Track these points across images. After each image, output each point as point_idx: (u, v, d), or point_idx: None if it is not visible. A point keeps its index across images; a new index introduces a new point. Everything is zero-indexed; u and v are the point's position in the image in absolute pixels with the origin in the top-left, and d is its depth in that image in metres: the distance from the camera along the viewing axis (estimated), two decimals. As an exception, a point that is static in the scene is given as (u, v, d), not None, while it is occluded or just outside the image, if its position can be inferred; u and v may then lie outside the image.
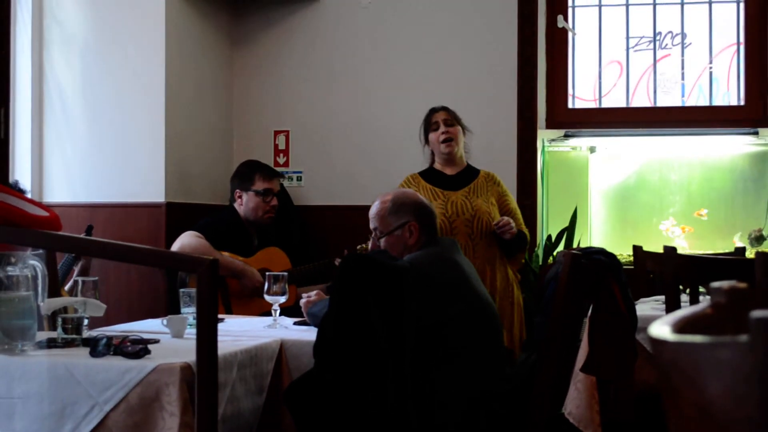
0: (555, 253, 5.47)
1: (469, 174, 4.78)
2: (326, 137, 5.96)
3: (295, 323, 3.80)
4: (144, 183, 5.37)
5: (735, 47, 5.86)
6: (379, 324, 2.89)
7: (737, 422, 0.87)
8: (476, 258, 4.53)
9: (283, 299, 3.72)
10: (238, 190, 5.14)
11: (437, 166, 4.80)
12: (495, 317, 3.35)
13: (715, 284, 1.18)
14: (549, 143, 5.86)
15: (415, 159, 5.03)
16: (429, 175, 4.77)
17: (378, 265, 2.94)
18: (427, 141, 4.81)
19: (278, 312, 3.76)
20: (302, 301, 3.73)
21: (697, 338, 0.93)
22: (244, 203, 5.10)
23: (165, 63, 5.37)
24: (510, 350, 4.43)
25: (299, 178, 5.95)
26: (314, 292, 3.73)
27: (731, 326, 1.13)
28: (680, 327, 1.10)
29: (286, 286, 3.72)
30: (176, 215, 5.37)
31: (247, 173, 5.17)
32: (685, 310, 1.16)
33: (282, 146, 6.01)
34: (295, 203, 5.79)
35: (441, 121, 4.74)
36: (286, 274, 3.74)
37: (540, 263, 5.53)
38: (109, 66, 5.45)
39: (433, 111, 4.80)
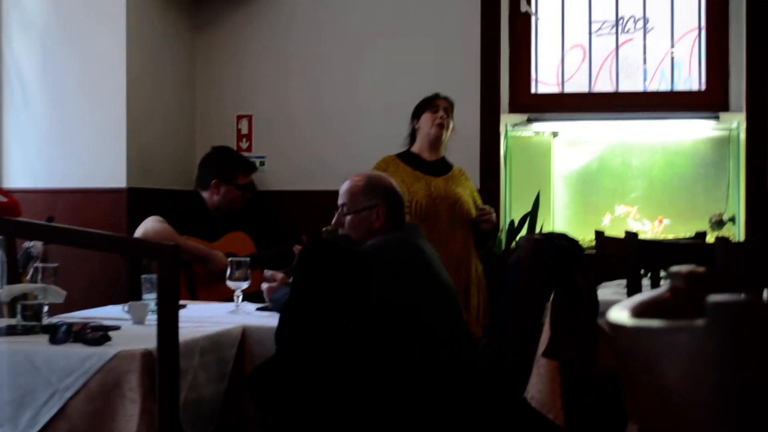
0: (518, 238, 5.49)
1: (446, 164, 4.81)
2: (289, 122, 5.94)
3: (258, 309, 3.79)
4: (105, 168, 5.33)
5: (696, 32, 5.89)
6: (341, 309, 2.89)
7: (694, 406, 0.87)
8: (456, 244, 4.54)
9: (245, 285, 3.71)
10: (216, 180, 5.09)
11: (416, 149, 4.79)
12: (456, 302, 3.36)
13: (674, 268, 1.18)
14: (512, 128, 5.87)
15: (379, 144, 5.02)
16: (407, 158, 4.77)
17: (339, 250, 2.93)
18: (417, 118, 4.81)
19: (241, 297, 3.75)
20: (264, 287, 3.72)
21: (654, 323, 0.93)
22: (221, 194, 5.07)
23: (126, 47, 5.32)
24: (475, 335, 4.45)
25: (262, 163, 5.93)
26: (278, 276, 3.72)
27: (689, 310, 1.13)
28: (639, 311, 1.10)
29: (249, 272, 3.71)
30: (138, 200, 5.34)
31: (230, 166, 5.14)
32: (644, 294, 1.17)
33: (245, 131, 5.98)
34: (259, 188, 5.77)
35: (442, 108, 4.77)
36: (248, 259, 3.72)
37: (503, 248, 5.55)
38: (70, 50, 5.40)
39: (438, 96, 4.83)
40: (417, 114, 4.82)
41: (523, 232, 5.58)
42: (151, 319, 3.23)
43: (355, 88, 5.88)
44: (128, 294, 4.73)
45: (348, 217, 3.41)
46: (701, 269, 1.18)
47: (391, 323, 3.06)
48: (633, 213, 5.78)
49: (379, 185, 3.44)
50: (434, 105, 4.76)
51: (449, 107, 4.79)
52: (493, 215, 4.62)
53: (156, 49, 5.65)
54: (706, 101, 5.80)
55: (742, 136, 5.58)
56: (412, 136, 4.83)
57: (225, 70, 6.02)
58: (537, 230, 5.56)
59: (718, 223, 5.61)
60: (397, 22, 5.85)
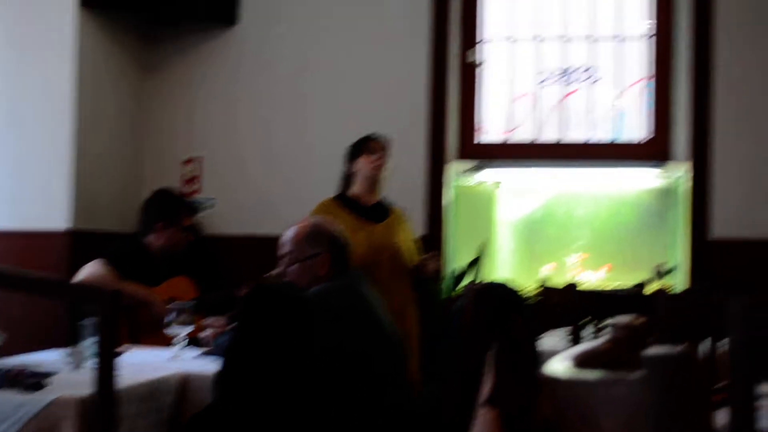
0: (462, 286, 5.50)
1: (384, 208, 4.77)
2: (239, 165, 5.92)
3: (199, 355, 3.74)
4: (50, 210, 5.27)
5: (643, 83, 5.97)
6: (283, 356, 2.86)
7: (630, 459, 0.87)
8: (396, 295, 4.51)
9: (187, 330, 3.67)
10: (160, 224, 5.03)
11: (354, 192, 4.76)
12: (401, 350, 3.35)
13: (614, 320, 1.19)
14: (458, 176, 5.89)
15: (327, 189, 5.01)
16: (346, 202, 4.73)
17: (282, 296, 2.92)
18: (354, 161, 4.77)
19: (182, 343, 3.71)
20: (206, 333, 3.68)
21: (592, 375, 0.93)
22: (166, 237, 5.01)
23: (75, 89, 5.29)
24: (415, 383, 4.43)
25: (212, 206, 5.89)
26: (219, 322, 3.69)
27: (629, 361, 1.14)
28: (579, 362, 1.11)
29: (191, 317, 3.67)
30: (83, 243, 5.28)
31: (174, 209, 5.09)
32: (585, 345, 1.17)
33: (195, 172, 5.95)
34: (207, 232, 5.73)
35: (379, 149, 4.73)
36: (190, 304, 3.69)
37: (447, 296, 5.55)
38: (17, 90, 5.35)
39: (374, 137, 4.79)
40: (352, 157, 4.78)
41: (468, 280, 5.58)
42: (90, 364, 3.18)
43: (304, 131, 5.88)
44: (69, 338, 4.66)
45: (293, 266, 3.40)
46: (640, 320, 1.19)
47: (334, 370, 3.04)
48: (578, 262, 5.82)
49: (325, 233, 3.43)
50: (371, 147, 4.73)
51: (385, 147, 4.77)
52: (437, 262, 4.61)
53: (105, 91, 5.61)
54: (651, 151, 5.88)
55: (686, 186, 5.65)
56: (348, 178, 4.81)
57: (174, 112, 6.00)
58: (481, 278, 5.56)
59: (661, 273, 5.66)
60: (348, 68, 5.87)
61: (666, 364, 0.86)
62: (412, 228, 4.81)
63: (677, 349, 0.86)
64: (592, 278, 5.76)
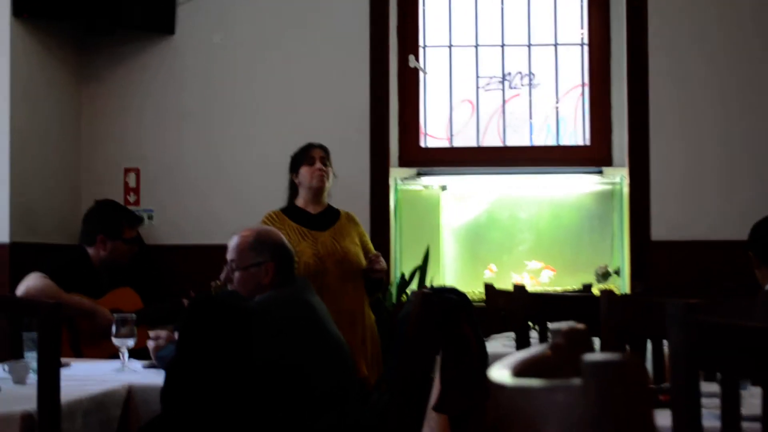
0: (408, 292, 5.51)
1: (332, 214, 4.76)
2: (178, 175, 5.88)
3: (145, 366, 3.71)
4: (-14, 222, 5.20)
5: (580, 88, 6.04)
6: (226, 368, 2.85)
7: (572, 466, 0.88)
8: (347, 300, 4.50)
9: (131, 342, 3.64)
10: (102, 236, 4.98)
11: (300, 203, 4.75)
12: (347, 360, 3.34)
13: (554, 326, 1.20)
14: (401, 182, 5.91)
15: (271, 198, 4.99)
16: (292, 213, 4.71)
17: (226, 307, 2.90)
18: (296, 172, 4.75)
19: (127, 355, 3.67)
20: (150, 344, 3.65)
21: (533, 382, 0.94)
22: (109, 250, 4.96)
23: (9, 100, 5.22)
24: (368, 390, 4.43)
25: (150, 217, 5.85)
26: (164, 333, 3.65)
27: (570, 368, 1.15)
28: (520, 370, 1.11)
29: (135, 328, 3.64)
30: (22, 256, 5.20)
31: (115, 220, 5.04)
32: (525, 352, 1.18)
33: (132, 184, 5.90)
34: (147, 242, 5.68)
35: (318, 158, 4.71)
36: (134, 315, 3.65)
37: (393, 302, 5.56)
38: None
39: (312, 146, 4.76)
40: (294, 167, 4.77)
41: (414, 285, 5.60)
42: (33, 378, 3.14)
43: (245, 141, 5.86)
44: (9, 352, 4.59)
45: (236, 273, 3.38)
46: (581, 326, 1.20)
47: (277, 383, 3.03)
48: (523, 265, 5.86)
49: (269, 241, 3.42)
50: (309, 157, 4.71)
51: (325, 155, 4.75)
52: (382, 262, 4.60)
53: (40, 102, 5.54)
54: (590, 156, 5.94)
55: (625, 189, 5.72)
56: (293, 189, 4.80)
57: (112, 121, 5.94)
58: (427, 284, 5.58)
59: (604, 275, 5.72)
60: (288, 76, 5.86)
61: (605, 371, 0.87)
62: (361, 230, 4.79)
63: (616, 356, 0.87)
64: (537, 282, 5.80)
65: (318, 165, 4.68)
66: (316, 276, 4.40)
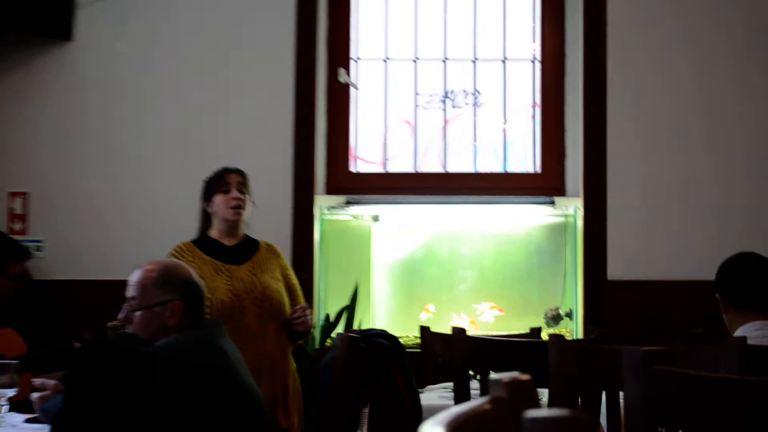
0: (333, 335, 5.48)
1: (250, 246, 4.70)
2: (73, 201, 5.79)
3: (26, 421, 3.62)
4: None
5: (531, 109, 6.07)
6: (124, 422, 2.79)
7: None
8: (268, 343, 4.45)
9: (11, 392, 3.54)
10: None
11: (213, 234, 4.69)
12: (262, 412, 3.29)
13: (495, 377, 1.17)
14: (328, 211, 5.88)
15: (181, 229, 4.93)
16: (205, 245, 4.65)
17: (122, 352, 2.84)
18: (209, 201, 4.68)
19: (7, 408, 3.58)
20: (34, 395, 3.56)
21: (468, 443, 0.91)
22: None
23: None
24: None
25: (39, 248, 5.75)
26: (51, 382, 3.57)
27: (512, 425, 1.12)
28: (456, 426, 1.09)
29: (16, 377, 3.55)
30: None
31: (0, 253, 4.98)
32: (464, 405, 1.15)
33: (19, 210, 5.80)
34: (34, 277, 5.58)
35: (234, 185, 4.64)
36: (15, 362, 3.56)
37: (317, 346, 5.52)
38: None
39: (227, 171, 4.69)
40: (207, 195, 4.70)
41: (340, 328, 5.56)
42: None
43: (153, 163, 5.79)
44: None
45: (137, 313, 3.31)
46: (525, 377, 1.17)
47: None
48: (464, 307, 5.85)
49: (176, 276, 3.36)
50: (224, 183, 4.65)
51: (243, 181, 4.70)
52: (309, 316, 4.54)
53: None
54: (541, 184, 5.96)
55: (580, 222, 5.75)
56: (205, 218, 4.73)
57: (-2, 139, 5.86)
58: (355, 326, 5.55)
59: (555, 318, 5.73)
60: (202, 91, 5.81)
61: (552, 428, 0.84)
62: (284, 264, 4.74)
63: (565, 410, 0.84)
64: (477, 324, 5.79)
65: (234, 193, 4.62)
66: (232, 315, 4.35)
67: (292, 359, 4.64)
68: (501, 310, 5.82)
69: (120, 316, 3.39)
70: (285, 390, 4.53)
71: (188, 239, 4.71)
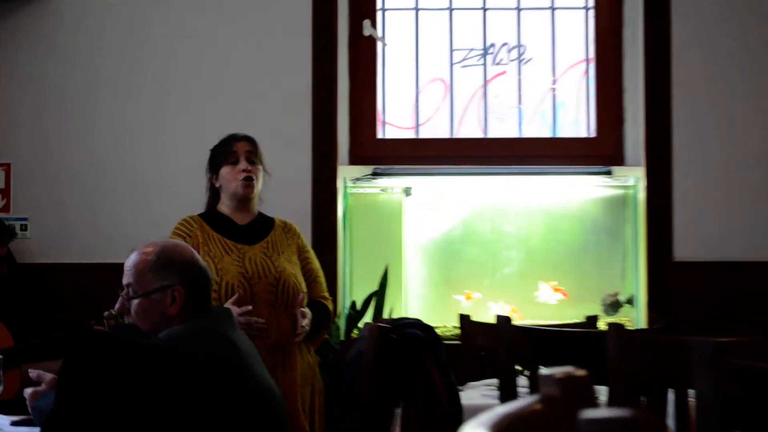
0: (360, 325, 5.49)
1: (264, 224, 4.71)
2: (61, 174, 5.81)
3: (14, 423, 3.66)
4: None
5: (584, 65, 6.05)
6: (124, 423, 2.81)
7: None
8: (281, 334, 4.46)
9: (-3, 390, 3.58)
10: None
11: (223, 209, 4.70)
12: (279, 410, 3.31)
13: (545, 372, 1.18)
14: (352, 183, 5.88)
15: (182, 204, 4.95)
16: (214, 220, 4.65)
17: (122, 344, 2.86)
18: (215, 173, 4.69)
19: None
20: (27, 391, 3.59)
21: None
22: None
23: None
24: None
25: (24, 227, 5.79)
26: (48, 377, 3.59)
27: (565, 426, 1.13)
28: (502, 429, 1.09)
29: (1, 373, 3.58)
30: None
31: None
32: (510, 405, 1.15)
33: (0, 185, 5.84)
34: (19, 260, 5.62)
35: (242, 154, 4.64)
36: (1, 356, 3.59)
37: (341, 338, 5.53)
38: None
39: (234, 138, 4.68)
40: (214, 167, 4.69)
41: (368, 317, 5.57)
42: None
43: (150, 131, 5.81)
44: None
45: (135, 302, 3.33)
46: (581, 372, 1.17)
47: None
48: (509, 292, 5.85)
49: (176, 259, 3.37)
50: (232, 153, 4.65)
51: (253, 149, 4.69)
52: (305, 323, 4.46)
53: None
54: (597, 151, 5.94)
55: (641, 195, 5.73)
56: (213, 193, 4.74)
57: (-26, 104, 5.89)
58: (385, 315, 5.56)
59: (613, 305, 5.73)
60: (209, 50, 5.82)
61: (610, 430, 0.84)
62: (302, 244, 4.74)
63: (627, 410, 0.84)
64: (537, 307, 5.78)
65: (243, 164, 4.62)
66: (242, 302, 4.37)
67: (312, 353, 4.65)
68: (565, 294, 5.80)
69: (117, 305, 3.41)
70: (302, 389, 4.55)
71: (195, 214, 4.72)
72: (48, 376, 3.55)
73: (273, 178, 4.83)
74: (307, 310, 4.46)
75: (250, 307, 4.36)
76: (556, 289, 5.80)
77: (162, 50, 5.85)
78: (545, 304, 5.80)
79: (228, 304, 4.29)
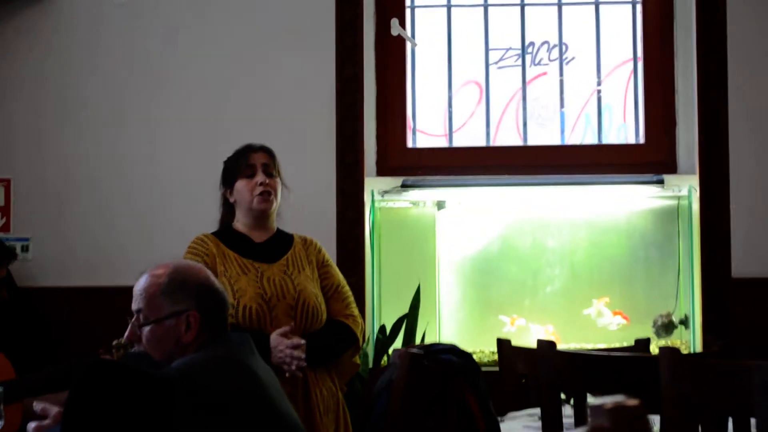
0: (390, 352, 5.49)
1: (283, 241, 4.70)
2: (66, 190, 5.84)
3: (16, 461, 3.68)
4: None
5: (632, 64, 6.04)
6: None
7: None
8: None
9: (-2, 426, 3.60)
10: None
11: (239, 226, 4.70)
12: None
13: (595, 401, 1.18)
14: (380, 197, 5.89)
15: (197, 222, 4.95)
16: (229, 238, 4.65)
17: (133, 375, 2.87)
18: (230, 187, 4.68)
19: (-9, 445, 3.63)
20: (31, 427, 3.61)
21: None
22: None
23: None
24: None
25: (25, 248, 5.81)
26: (54, 410, 3.61)
27: (617, 461, 1.13)
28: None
29: (1, 407, 3.59)
30: None
31: None
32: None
33: (0, 202, 5.87)
34: (19, 284, 5.65)
35: (259, 166, 4.64)
36: (0, 389, 3.61)
37: (370, 366, 5.53)
38: None
39: (251, 149, 4.68)
40: (228, 181, 4.68)
41: (398, 342, 5.57)
42: None
43: (162, 142, 5.83)
44: None
45: (146, 329, 3.34)
46: (632, 402, 1.18)
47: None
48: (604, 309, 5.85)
49: (190, 281, 3.38)
50: (248, 166, 4.64)
51: (270, 161, 4.69)
52: (297, 357, 4.43)
53: None
54: (646, 159, 5.93)
55: (695, 206, 5.71)
56: (228, 208, 4.73)
57: (-29, 115, 5.93)
58: (417, 340, 5.56)
59: (666, 327, 5.71)
60: (224, 46, 5.84)
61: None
62: (326, 258, 4.73)
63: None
64: (595, 329, 5.78)
65: (260, 177, 4.62)
66: (259, 326, 4.37)
67: (336, 382, 4.64)
68: (626, 318, 5.78)
69: (127, 333, 3.41)
70: (325, 420, 4.54)
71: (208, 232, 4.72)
72: (53, 410, 3.56)
73: (293, 192, 4.83)
74: (298, 340, 4.41)
75: (303, 342, 4.36)
76: (616, 313, 5.78)
77: (174, 52, 5.87)
78: (590, 326, 5.79)
79: (276, 335, 4.29)
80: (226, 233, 4.65)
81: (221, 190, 4.72)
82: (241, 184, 4.62)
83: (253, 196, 4.60)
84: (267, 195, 4.60)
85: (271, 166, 4.65)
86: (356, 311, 4.67)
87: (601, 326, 5.76)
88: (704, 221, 5.67)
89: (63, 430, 2.88)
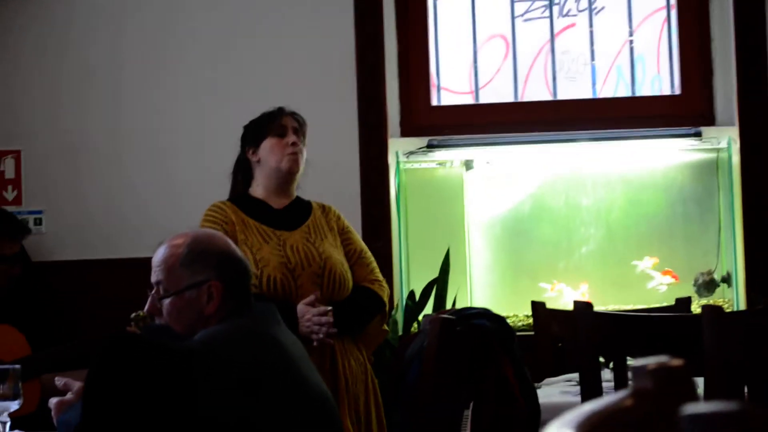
0: (420, 318, 5.49)
1: (302, 208, 4.70)
2: (79, 162, 5.85)
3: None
4: None
5: (665, 13, 6.01)
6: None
7: None
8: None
9: (15, 405, 3.61)
10: None
11: (257, 192, 4.68)
12: (334, 418, 3.33)
13: (637, 363, 1.18)
14: (405, 158, 5.89)
15: (215, 191, 4.96)
16: (247, 205, 4.64)
17: (155, 349, 2.88)
18: (255, 146, 4.66)
19: (8, 426, 3.65)
20: (53, 402, 3.62)
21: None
22: None
23: None
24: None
25: (38, 221, 5.83)
26: (77, 385, 3.61)
27: (662, 425, 1.13)
28: (589, 428, 1.09)
29: (19, 385, 3.61)
30: None
31: None
32: (595, 403, 1.16)
33: (10, 174, 5.89)
34: (33, 258, 5.67)
35: (291, 129, 4.64)
36: (17, 366, 3.62)
37: (399, 333, 5.54)
38: None
39: (284, 112, 4.68)
40: (255, 139, 4.68)
41: (429, 308, 5.58)
42: None
43: (178, 109, 5.83)
44: None
45: (166, 301, 3.35)
46: (677, 362, 1.17)
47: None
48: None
49: (210, 251, 3.39)
50: (280, 126, 4.64)
51: (299, 127, 4.69)
52: (325, 323, 4.43)
53: None
54: (683, 111, 5.91)
55: (736, 158, 5.69)
56: (245, 171, 4.72)
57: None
58: (448, 305, 5.56)
59: (708, 285, 5.70)
60: (238, 4, 5.83)
61: (716, 428, 0.85)
62: (345, 224, 4.72)
63: (732, 403, 0.85)
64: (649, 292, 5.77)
65: (291, 137, 4.62)
66: (284, 296, 4.38)
67: (364, 352, 4.65)
68: (675, 277, 5.77)
69: (147, 306, 3.42)
70: (355, 394, 4.55)
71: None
72: (76, 385, 3.57)
73: (316, 153, 4.81)
74: (325, 308, 4.41)
75: (330, 308, 4.37)
76: (665, 272, 5.76)
77: (190, 19, 5.87)
78: (628, 286, 5.79)
79: (302, 305, 4.30)
80: (243, 200, 4.64)
81: (242, 151, 4.70)
82: (270, 143, 4.60)
83: (283, 155, 4.59)
84: (296, 158, 4.60)
85: (299, 132, 4.65)
86: (381, 276, 4.68)
87: (650, 288, 5.75)
88: (745, 174, 5.65)
89: (84, 405, 2.90)
